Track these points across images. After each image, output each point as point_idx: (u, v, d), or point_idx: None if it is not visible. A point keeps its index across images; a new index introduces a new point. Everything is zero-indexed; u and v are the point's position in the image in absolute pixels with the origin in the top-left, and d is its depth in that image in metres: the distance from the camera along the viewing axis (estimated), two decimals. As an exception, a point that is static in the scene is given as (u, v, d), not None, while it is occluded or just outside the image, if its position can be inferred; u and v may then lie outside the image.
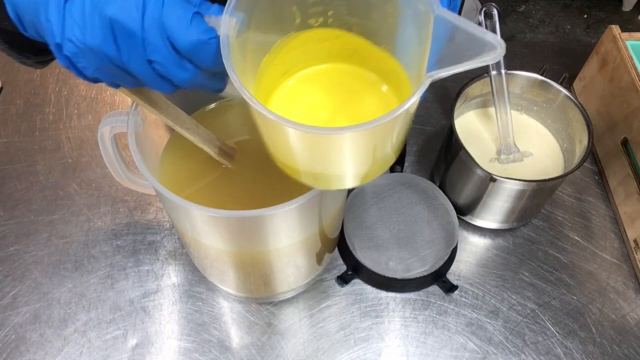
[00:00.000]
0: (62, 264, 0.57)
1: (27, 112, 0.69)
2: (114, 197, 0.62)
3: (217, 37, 0.30)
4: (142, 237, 0.59)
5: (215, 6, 0.31)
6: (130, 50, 0.29)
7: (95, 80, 0.33)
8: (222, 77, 0.34)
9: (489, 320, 0.55)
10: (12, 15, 0.31)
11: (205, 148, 0.44)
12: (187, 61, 0.31)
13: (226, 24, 0.30)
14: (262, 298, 0.56)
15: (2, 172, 0.64)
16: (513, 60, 0.78)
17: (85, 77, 0.32)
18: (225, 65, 0.30)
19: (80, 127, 0.68)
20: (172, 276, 0.57)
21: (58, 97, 0.71)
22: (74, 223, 0.60)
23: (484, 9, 0.54)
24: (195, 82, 0.32)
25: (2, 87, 0.71)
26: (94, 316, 0.54)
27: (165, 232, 0.60)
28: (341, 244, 0.58)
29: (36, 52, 0.37)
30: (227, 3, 0.31)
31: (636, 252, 0.59)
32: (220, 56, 0.30)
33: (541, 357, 0.53)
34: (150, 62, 0.30)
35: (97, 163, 0.65)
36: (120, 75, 0.32)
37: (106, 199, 0.62)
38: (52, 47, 0.30)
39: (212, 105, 0.52)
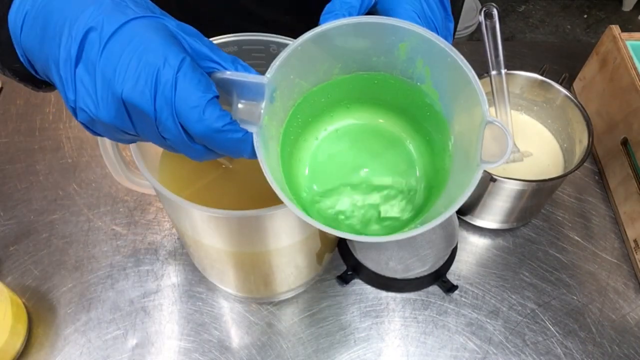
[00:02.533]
0: (62, 264, 0.57)
1: (27, 112, 0.69)
2: (114, 197, 0.62)
3: (232, 123, 0.29)
4: (142, 237, 0.59)
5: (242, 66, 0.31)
6: (144, 126, 0.29)
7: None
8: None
9: (489, 320, 0.55)
10: (23, 60, 0.31)
11: None
12: (200, 145, 0.30)
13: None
14: (262, 298, 0.56)
15: (2, 172, 0.64)
16: (513, 60, 0.78)
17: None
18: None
19: (80, 127, 0.68)
20: (172, 276, 0.57)
21: (58, 97, 0.71)
22: (74, 223, 0.60)
23: (483, 9, 0.54)
24: (209, 158, 0.32)
25: (2, 87, 0.71)
26: (94, 316, 0.54)
27: (165, 232, 0.60)
28: (341, 244, 0.58)
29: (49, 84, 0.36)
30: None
31: (636, 252, 0.59)
32: (234, 142, 0.29)
33: (541, 357, 0.53)
34: (164, 137, 0.30)
35: (97, 163, 0.65)
36: (137, 139, 0.32)
37: (106, 199, 0.62)
38: (67, 107, 0.29)
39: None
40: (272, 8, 0.58)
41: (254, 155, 0.30)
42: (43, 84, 0.35)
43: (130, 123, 0.29)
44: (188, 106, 0.27)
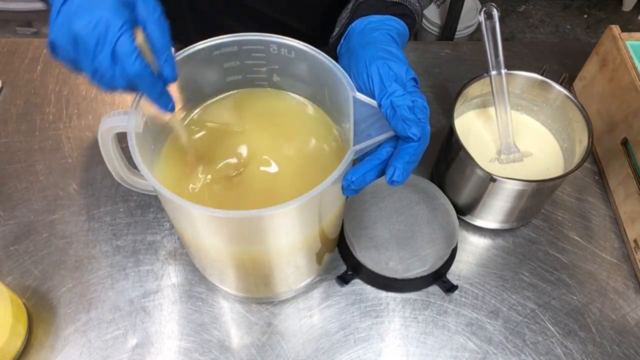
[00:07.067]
0: (62, 264, 0.57)
1: (27, 112, 0.69)
2: (114, 197, 0.62)
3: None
4: (142, 237, 0.59)
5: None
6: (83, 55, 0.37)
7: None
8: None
9: (489, 320, 0.55)
10: None
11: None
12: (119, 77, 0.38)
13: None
14: (262, 298, 0.56)
15: (2, 172, 0.64)
16: (513, 60, 0.78)
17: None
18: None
19: (80, 127, 0.68)
20: (172, 276, 0.57)
21: (58, 97, 0.71)
22: (74, 223, 0.60)
23: (484, 9, 0.54)
24: (120, 87, 0.39)
25: (2, 87, 0.71)
26: (94, 316, 0.54)
27: (165, 232, 0.60)
28: (341, 244, 0.58)
29: None
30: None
31: (636, 252, 0.59)
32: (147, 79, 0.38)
33: (541, 357, 0.53)
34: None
35: (97, 163, 0.65)
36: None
37: (106, 199, 0.62)
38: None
39: (216, 98, 0.52)
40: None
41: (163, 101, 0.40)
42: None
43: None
44: (126, 52, 0.37)
